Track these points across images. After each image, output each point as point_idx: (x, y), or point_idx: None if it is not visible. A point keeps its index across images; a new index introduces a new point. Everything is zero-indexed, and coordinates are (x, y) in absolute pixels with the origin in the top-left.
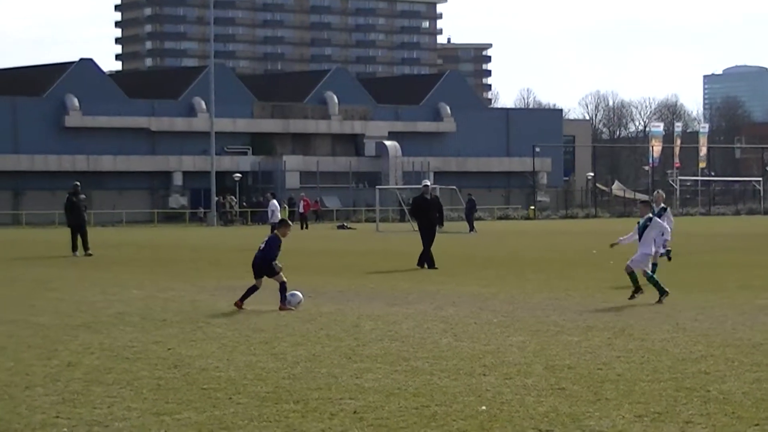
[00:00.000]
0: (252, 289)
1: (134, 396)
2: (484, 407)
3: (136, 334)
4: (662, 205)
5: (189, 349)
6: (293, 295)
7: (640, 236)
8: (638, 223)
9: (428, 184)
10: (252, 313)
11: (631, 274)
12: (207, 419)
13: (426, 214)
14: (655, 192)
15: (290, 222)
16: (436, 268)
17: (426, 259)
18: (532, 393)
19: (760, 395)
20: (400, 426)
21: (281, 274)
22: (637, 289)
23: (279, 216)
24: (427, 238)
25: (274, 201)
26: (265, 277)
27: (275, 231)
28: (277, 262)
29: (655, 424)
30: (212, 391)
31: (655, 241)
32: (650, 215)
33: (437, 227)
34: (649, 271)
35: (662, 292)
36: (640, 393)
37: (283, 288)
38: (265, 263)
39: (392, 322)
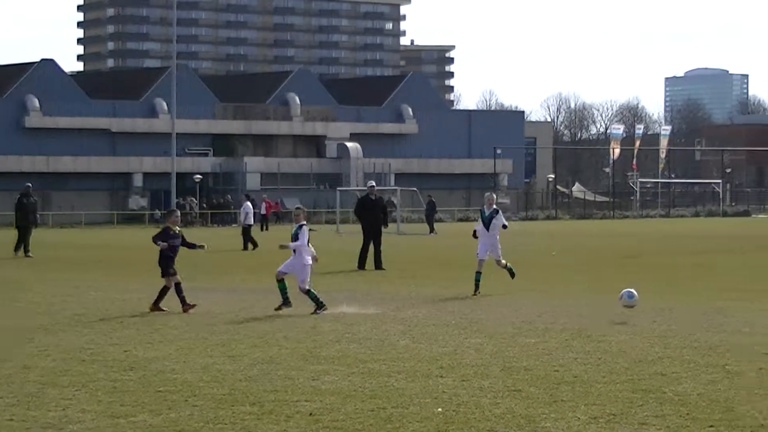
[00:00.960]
0: (164, 291)
1: (89, 398)
2: (440, 409)
3: (92, 336)
4: (494, 207)
5: (146, 351)
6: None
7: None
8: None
9: (373, 184)
10: (209, 315)
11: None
12: (162, 422)
13: (371, 214)
14: (486, 194)
15: (177, 210)
16: (384, 269)
17: (374, 260)
18: (488, 395)
19: (715, 396)
20: (356, 428)
21: (176, 276)
22: (286, 302)
23: (252, 218)
24: (371, 238)
25: (248, 203)
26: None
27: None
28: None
29: (610, 425)
30: (168, 394)
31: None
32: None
33: (382, 227)
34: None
35: (320, 305)
36: (596, 394)
37: (178, 289)
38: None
39: (350, 324)
